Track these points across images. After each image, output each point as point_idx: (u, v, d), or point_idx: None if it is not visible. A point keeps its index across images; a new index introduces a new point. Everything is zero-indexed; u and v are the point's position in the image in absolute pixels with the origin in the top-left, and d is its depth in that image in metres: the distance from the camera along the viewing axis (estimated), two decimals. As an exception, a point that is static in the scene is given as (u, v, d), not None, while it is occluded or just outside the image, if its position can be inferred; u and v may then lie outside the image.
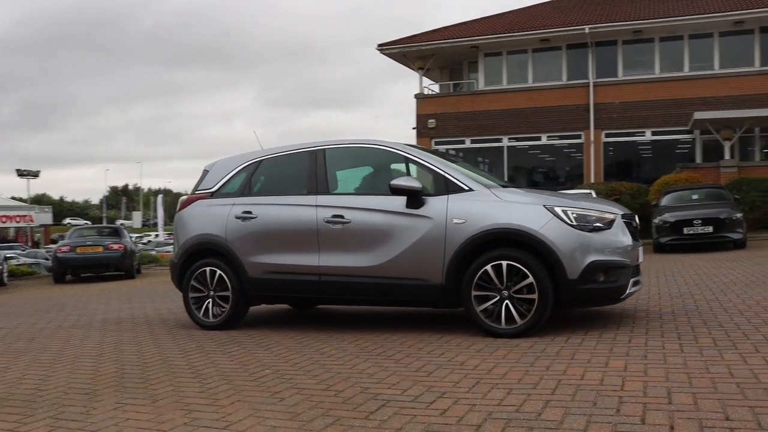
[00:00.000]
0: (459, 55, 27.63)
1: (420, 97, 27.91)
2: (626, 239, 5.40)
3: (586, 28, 23.55)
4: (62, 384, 4.29)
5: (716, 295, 6.93)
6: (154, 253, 28.58)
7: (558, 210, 5.25)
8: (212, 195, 6.64)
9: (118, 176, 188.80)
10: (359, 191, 6.17)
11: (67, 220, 78.97)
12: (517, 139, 26.09)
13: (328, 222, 5.84)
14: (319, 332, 5.93)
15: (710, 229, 13.72)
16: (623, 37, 24.00)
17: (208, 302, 6.43)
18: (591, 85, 24.46)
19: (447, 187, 5.57)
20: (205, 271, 6.43)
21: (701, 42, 22.96)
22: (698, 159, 22.76)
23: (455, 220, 5.39)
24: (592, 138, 24.42)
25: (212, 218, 6.48)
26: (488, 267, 5.25)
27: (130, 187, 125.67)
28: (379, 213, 5.68)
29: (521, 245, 5.23)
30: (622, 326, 5.38)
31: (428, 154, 5.97)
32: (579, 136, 24.95)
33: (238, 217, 6.30)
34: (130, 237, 18.87)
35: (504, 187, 5.91)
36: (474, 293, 5.30)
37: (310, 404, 3.48)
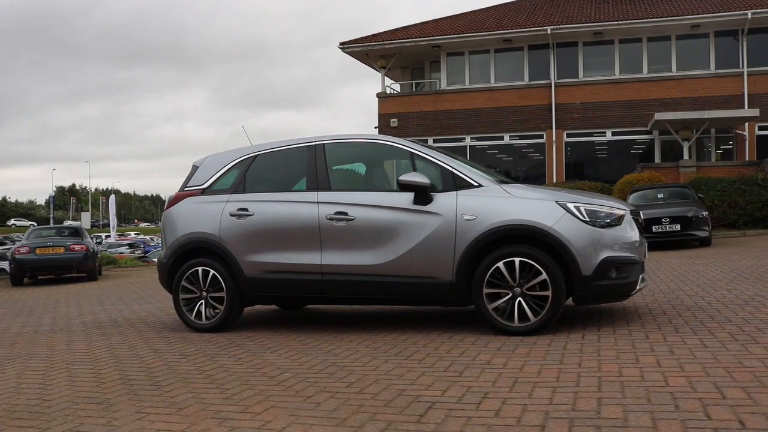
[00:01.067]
0: (421, 54, 27.65)
1: (382, 97, 27.83)
2: (635, 235, 5.39)
3: (548, 29, 23.85)
4: (66, 393, 4.00)
5: (707, 291, 7.01)
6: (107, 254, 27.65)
7: (570, 206, 5.19)
8: (203, 192, 6.37)
9: (65, 176, 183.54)
10: (363, 187, 5.99)
11: (12, 222, 76.08)
12: (480, 139, 26.26)
13: (331, 219, 5.66)
14: (320, 333, 5.75)
15: (678, 227, 13.99)
16: (584, 39, 24.40)
17: (201, 304, 6.16)
18: (553, 85, 24.80)
19: (455, 183, 5.45)
20: (197, 271, 6.15)
21: (659, 45, 23.52)
22: (657, 159, 23.30)
23: (466, 217, 5.28)
24: (554, 138, 24.75)
25: (204, 216, 6.21)
26: (500, 264, 5.15)
27: (77, 187, 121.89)
28: (385, 209, 5.53)
29: (534, 242, 5.16)
30: (630, 322, 5.37)
31: (432, 149, 5.84)
32: (541, 136, 25.26)
33: (233, 215, 6.06)
34: (92, 238, 18.18)
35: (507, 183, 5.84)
36: (485, 291, 5.20)
37: (351, 408, 3.31)
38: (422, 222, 5.39)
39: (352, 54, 27.65)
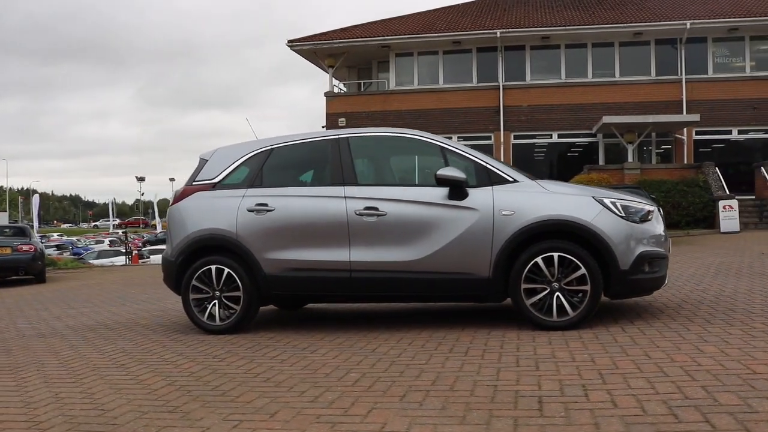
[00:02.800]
0: (369, 54, 27.59)
1: (330, 96, 27.61)
2: (662, 230, 5.49)
3: (498, 33, 24.27)
4: (122, 401, 3.69)
5: (702, 287, 7.24)
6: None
7: (607, 201, 5.24)
8: (214, 186, 6.07)
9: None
10: (391, 182, 5.85)
11: None
12: (429, 140, 26.36)
13: (361, 214, 5.49)
14: (341, 331, 5.57)
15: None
16: (531, 43, 24.95)
17: (213, 304, 5.87)
18: (501, 88, 25.24)
19: (490, 178, 5.41)
20: (209, 269, 5.85)
21: (603, 51, 24.32)
22: (601, 161, 24.07)
23: (503, 212, 5.24)
24: (502, 139, 25.18)
25: (218, 211, 5.91)
26: (539, 259, 5.14)
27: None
28: (418, 205, 5.42)
29: (572, 237, 5.17)
30: (649, 316, 5.46)
31: (461, 144, 5.78)
32: (489, 138, 25.65)
33: (250, 210, 5.80)
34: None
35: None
36: (524, 286, 5.17)
37: (460, 406, 3.20)
38: (458, 217, 5.31)
39: (300, 52, 27.29)
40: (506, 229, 5.20)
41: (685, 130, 23.04)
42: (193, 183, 6.19)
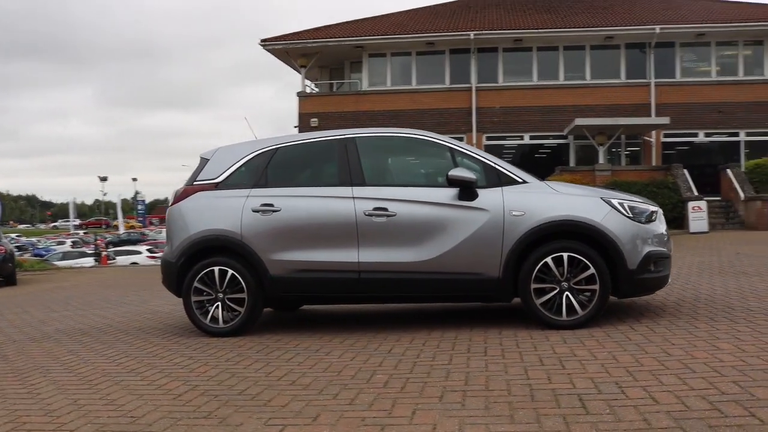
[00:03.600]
0: (342, 54, 27.53)
1: (302, 96, 27.48)
2: (665, 230, 5.60)
3: (471, 34, 24.45)
4: (149, 408, 3.61)
5: (693, 285, 7.41)
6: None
7: (615, 202, 5.32)
8: (217, 186, 5.98)
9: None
10: (399, 182, 5.83)
11: None
12: (402, 140, 26.41)
13: (370, 215, 5.47)
14: (348, 333, 5.53)
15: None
16: (504, 45, 25.19)
17: (216, 306, 5.77)
18: (473, 89, 25.42)
19: (500, 179, 5.44)
20: (212, 271, 5.75)
21: (575, 54, 24.70)
22: (572, 162, 24.44)
23: (514, 213, 5.28)
24: (474, 141, 25.36)
25: (222, 212, 5.82)
26: (548, 259, 5.19)
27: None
28: (428, 205, 5.42)
29: (581, 237, 5.23)
30: (660, 314, 5.57)
31: (469, 145, 5.80)
32: (462, 139, 25.77)
33: (255, 211, 5.72)
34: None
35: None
36: (533, 286, 5.22)
37: (504, 406, 3.21)
38: (469, 218, 5.33)
39: (272, 52, 27.09)
40: (517, 230, 5.24)
41: (653, 132, 23.54)
42: (194, 183, 6.08)
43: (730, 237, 15.88)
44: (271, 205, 5.70)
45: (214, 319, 5.77)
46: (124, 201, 51.78)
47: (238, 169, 5.98)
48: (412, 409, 3.23)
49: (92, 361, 5.00)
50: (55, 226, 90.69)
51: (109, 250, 37.27)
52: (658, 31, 22.89)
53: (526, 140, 25.34)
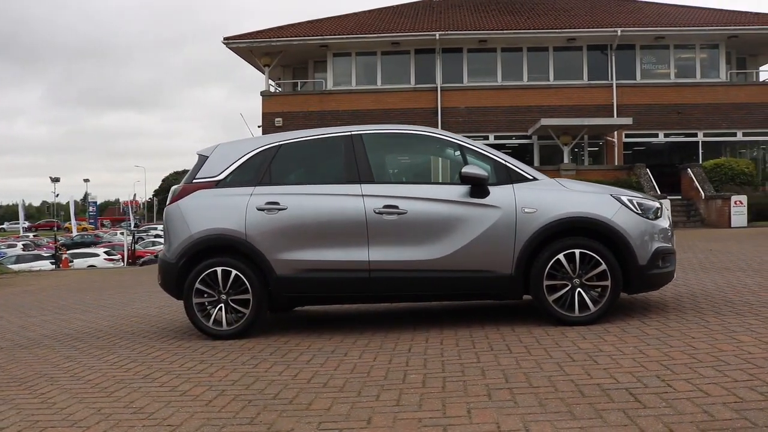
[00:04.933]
0: (306, 53, 27.35)
1: (266, 95, 27.19)
2: (669, 226, 5.68)
3: (437, 35, 24.59)
4: (186, 416, 3.46)
5: (684, 281, 7.55)
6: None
7: (624, 198, 5.37)
8: (217, 184, 5.81)
9: None
10: (408, 180, 5.78)
11: None
12: (367, 140, 26.36)
13: (380, 213, 5.40)
14: (356, 333, 5.45)
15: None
16: (469, 46, 25.40)
17: (220, 308, 5.61)
18: (438, 89, 25.56)
19: (510, 177, 5.44)
20: (215, 272, 5.58)
21: (538, 55, 25.08)
22: (536, 162, 24.78)
23: (526, 210, 5.28)
24: (440, 140, 25.45)
25: (224, 210, 5.66)
26: (560, 256, 5.21)
27: None
28: (440, 203, 5.38)
29: (593, 233, 5.26)
30: (664, 310, 5.66)
31: (479, 143, 5.79)
32: (427, 139, 25.86)
33: (260, 209, 5.58)
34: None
35: None
36: (546, 283, 5.23)
37: (557, 402, 3.19)
38: (481, 215, 5.31)
39: (236, 50, 26.73)
40: (529, 227, 5.24)
41: (615, 132, 24.06)
42: (194, 181, 5.90)
43: (695, 235, 16.32)
44: (277, 203, 5.57)
45: (217, 321, 5.60)
46: (74, 203, 50.24)
47: (240, 166, 5.82)
48: (466, 408, 3.18)
49: (97, 368, 4.79)
50: (2, 228, 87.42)
51: (65, 252, 36.16)
52: (619, 33, 23.44)
53: (491, 140, 25.57)
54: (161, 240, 37.66)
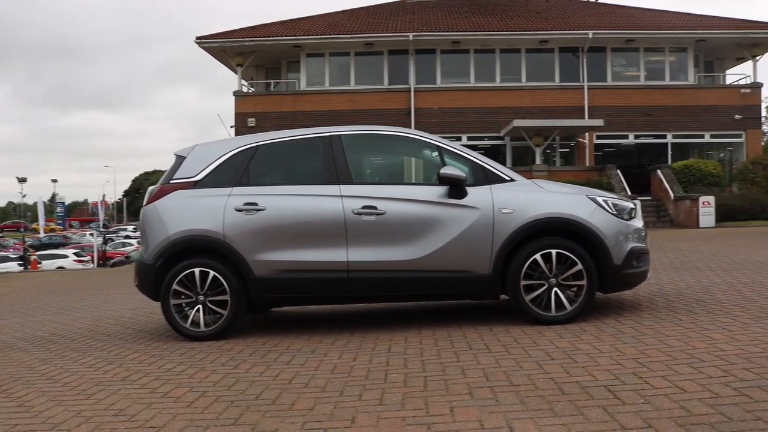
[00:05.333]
0: (279, 53, 27.24)
1: (239, 95, 27.02)
2: (642, 226, 5.80)
3: (410, 36, 24.68)
4: (169, 418, 3.44)
5: (656, 280, 7.70)
6: None
7: (599, 199, 5.47)
8: (195, 185, 5.77)
9: None
10: (387, 181, 5.80)
11: None
12: (341, 141, 26.34)
13: (359, 213, 5.42)
14: (334, 333, 5.47)
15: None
16: (442, 47, 25.54)
17: (197, 309, 5.58)
18: (412, 90, 25.66)
19: (487, 177, 5.50)
20: (193, 273, 5.55)
21: (511, 56, 25.31)
22: (508, 163, 25.01)
23: (503, 210, 5.34)
24: (414, 141, 25.53)
25: (202, 211, 5.63)
26: (537, 256, 5.28)
27: None
28: (418, 203, 5.42)
29: (569, 234, 5.35)
30: (638, 308, 5.77)
31: (457, 144, 5.84)
32: (401, 139, 25.92)
33: (239, 210, 5.56)
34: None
35: None
36: (523, 282, 5.30)
37: (538, 400, 3.25)
38: (459, 216, 5.36)
39: (208, 50, 26.51)
40: (506, 227, 5.31)
41: (587, 134, 24.40)
42: (171, 181, 5.86)
43: (665, 235, 16.63)
44: (256, 204, 5.55)
45: (195, 322, 5.57)
46: (42, 203, 49.30)
47: (217, 167, 5.79)
48: (448, 406, 3.22)
49: (74, 370, 4.73)
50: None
51: (33, 254, 35.47)
52: (590, 36, 23.77)
53: (464, 141, 25.72)
54: (131, 241, 37.16)
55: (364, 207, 5.42)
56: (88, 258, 29.86)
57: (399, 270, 5.40)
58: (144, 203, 5.98)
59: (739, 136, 24.91)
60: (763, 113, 29.41)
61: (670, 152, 24.68)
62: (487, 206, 5.36)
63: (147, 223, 5.82)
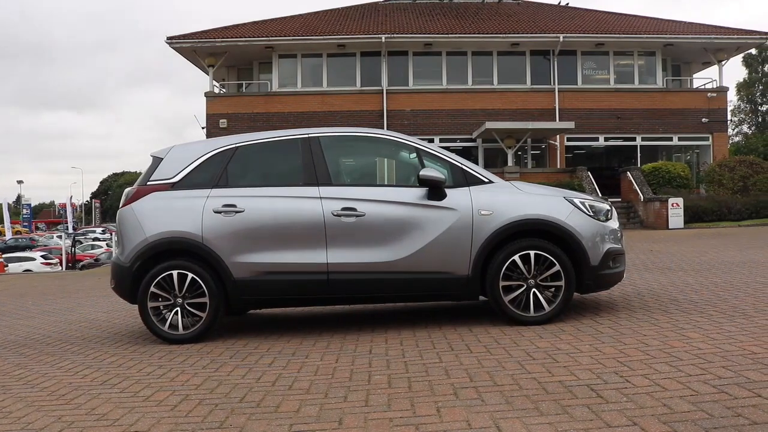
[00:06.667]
0: (251, 54, 27.07)
1: (210, 96, 26.78)
2: (618, 227, 5.89)
3: (383, 38, 24.72)
4: (153, 422, 3.40)
5: (631, 281, 7.83)
6: None
7: (577, 201, 5.54)
8: (173, 186, 5.72)
9: None
10: (365, 182, 5.81)
11: None
12: (314, 142, 26.26)
13: (338, 215, 5.42)
14: (314, 335, 5.47)
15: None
16: (414, 49, 25.63)
17: (176, 312, 5.53)
18: (384, 92, 25.70)
19: (466, 179, 5.55)
20: (171, 275, 5.51)
21: (483, 59, 25.50)
22: (481, 165, 25.16)
23: (482, 212, 5.39)
24: (387, 143, 25.57)
25: (180, 213, 5.58)
26: (516, 257, 5.34)
27: None
28: (397, 205, 5.44)
29: (547, 235, 5.41)
30: (615, 308, 5.87)
31: (435, 146, 5.87)
32: (374, 141, 25.94)
33: (217, 212, 5.52)
34: None
35: None
36: (502, 283, 5.35)
37: (523, 399, 3.28)
38: (438, 217, 5.39)
39: (179, 50, 26.22)
40: (485, 229, 5.35)
41: (558, 136, 24.70)
42: (148, 183, 5.79)
43: (635, 236, 16.91)
44: (234, 206, 5.52)
45: (173, 325, 5.52)
46: (7, 205, 48.19)
47: (195, 168, 5.75)
48: (435, 407, 3.24)
49: (50, 375, 4.64)
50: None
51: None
52: (561, 39, 24.08)
53: (437, 143, 25.80)
54: (101, 243, 36.42)
55: (344, 209, 5.42)
56: (56, 261, 29.28)
57: (379, 271, 5.41)
58: (121, 205, 5.90)
59: (706, 139, 25.46)
60: (728, 117, 30.03)
61: (639, 154, 25.12)
62: (467, 208, 5.40)
63: (124, 225, 5.75)
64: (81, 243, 38.20)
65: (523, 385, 3.54)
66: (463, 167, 5.60)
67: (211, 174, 5.71)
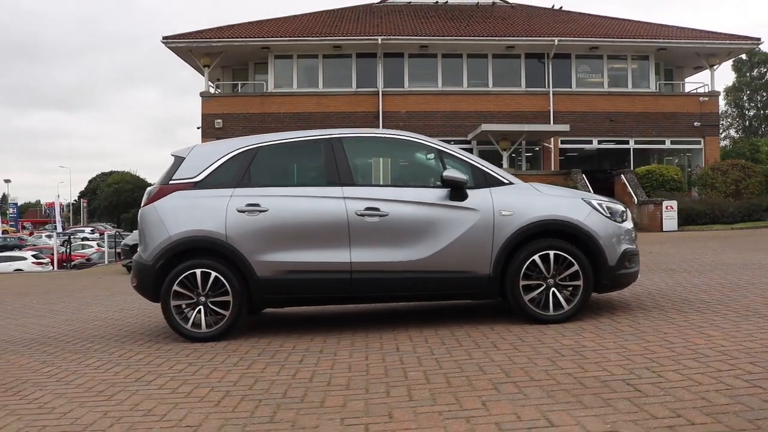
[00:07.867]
0: (247, 54, 27.10)
1: (206, 96, 26.79)
2: (633, 228, 6.03)
3: (379, 39, 24.83)
4: (201, 417, 3.46)
5: (639, 282, 7.94)
6: None
7: (594, 203, 5.67)
8: (196, 185, 5.78)
9: None
10: (388, 183, 5.90)
11: None
12: (309, 143, 26.31)
13: (361, 215, 5.51)
14: (336, 333, 5.56)
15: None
16: (410, 51, 25.76)
17: (198, 310, 5.59)
18: (380, 93, 25.81)
19: (487, 180, 5.65)
20: (194, 273, 5.57)
21: (478, 61, 25.69)
22: (476, 166, 25.32)
23: (503, 212, 5.50)
24: (382, 144, 25.67)
25: (204, 212, 5.64)
26: (536, 257, 5.45)
27: None
28: (420, 205, 5.54)
29: (566, 236, 5.53)
30: (628, 308, 6.00)
31: (456, 147, 5.98)
32: (369, 142, 26.03)
33: (241, 211, 5.59)
34: None
35: None
36: (522, 283, 5.46)
37: (564, 393, 3.38)
38: (460, 218, 5.49)
39: (175, 50, 26.21)
40: (506, 229, 5.46)
41: (552, 138, 24.92)
42: (170, 182, 5.84)
43: (629, 237, 17.10)
44: (258, 205, 5.59)
45: (196, 324, 5.58)
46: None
47: (218, 168, 5.81)
48: (480, 401, 3.33)
49: (80, 372, 4.69)
50: None
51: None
52: (556, 42, 24.32)
53: (433, 144, 25.97)
54: (91, 243, 36.17)
55: (367, 208, 5.51)
56: (47, 260, 29.10)
57: (402, 270, 5.50)
58: (142, 204, 5.95)
59: (698, 142, 25.79)
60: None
61: (632, 158, 25.41)
62: (488, 208, 5.51)
63: (146, 223, 5.80)
64: (71, 243, 37.94)
65: (560, 380, 3.64)
66: (484, 168, 5.71)
67: (234, 173, 5.77)
